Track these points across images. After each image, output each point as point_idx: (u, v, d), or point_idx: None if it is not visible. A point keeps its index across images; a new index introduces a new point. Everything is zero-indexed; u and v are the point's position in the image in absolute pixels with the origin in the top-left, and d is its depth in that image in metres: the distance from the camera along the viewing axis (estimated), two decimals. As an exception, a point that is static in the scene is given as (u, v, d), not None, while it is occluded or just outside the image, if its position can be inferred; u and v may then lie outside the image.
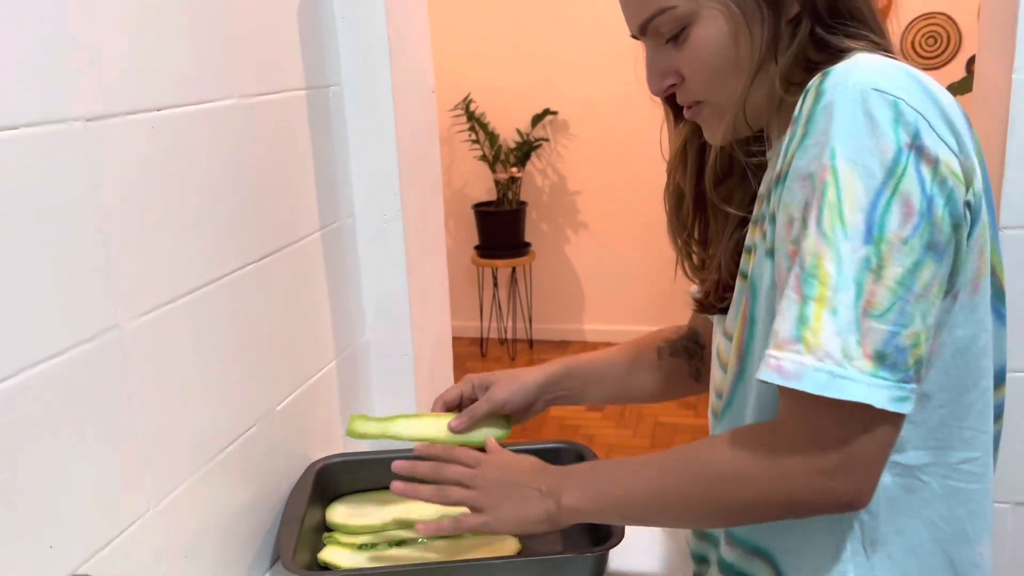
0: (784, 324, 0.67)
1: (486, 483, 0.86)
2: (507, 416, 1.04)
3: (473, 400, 1.05)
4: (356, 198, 1.25)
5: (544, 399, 1.05)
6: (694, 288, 0.97)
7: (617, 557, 0.92)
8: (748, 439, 0.72)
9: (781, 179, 0.71)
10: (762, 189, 0.79)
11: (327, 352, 1.19)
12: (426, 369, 1.36)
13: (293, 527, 0.99)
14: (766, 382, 0.68)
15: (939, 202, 0.66)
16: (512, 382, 1.04)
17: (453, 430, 1.02)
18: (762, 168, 0.81)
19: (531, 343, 4.26)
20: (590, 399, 1.07)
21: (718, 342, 0.88)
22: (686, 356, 1.05)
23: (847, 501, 0.69)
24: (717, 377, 0.89)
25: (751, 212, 0.81)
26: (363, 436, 1.03)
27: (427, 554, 1.02)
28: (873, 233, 0.65)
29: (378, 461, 1.14)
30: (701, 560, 0.96)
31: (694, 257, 0.91)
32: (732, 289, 0.84)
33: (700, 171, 0.88)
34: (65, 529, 0.71)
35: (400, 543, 1.05)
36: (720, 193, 0.86)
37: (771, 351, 0.68)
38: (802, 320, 0.66)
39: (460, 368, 1.41)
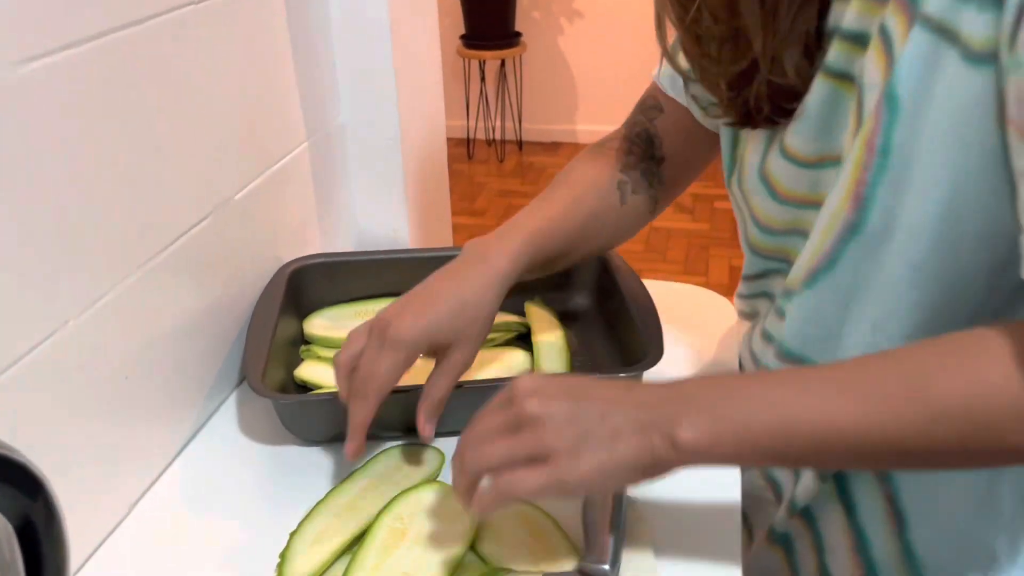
0: None
1: (549, 418, 0.53)
2: None
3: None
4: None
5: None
6: (697, 90, 0.73)
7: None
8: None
9: None
10: None
11: (295, 133, 0.97)
12: (416, 158, 1.15)
13: (262, 339, 0.81)
14: None
15: None
16: (470, 332, 0.70)
17: (426, 439, 0.71)
18: None
19: (520, 144, 4.02)
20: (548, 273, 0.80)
21: (770, 167, 0.65)
22: (647, 187, 0.81)
23: None
24: (772, 216, 0.67)
25: None
26: None
27: (428, 366, 0.86)
28: None
29: (365, 264, 0.95)
30: None
31: (711, 46, 0.63)
32: (792, 95, 0.61)
33: None
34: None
35: (392, 358, 0.88)
36: None
37: None
38: None
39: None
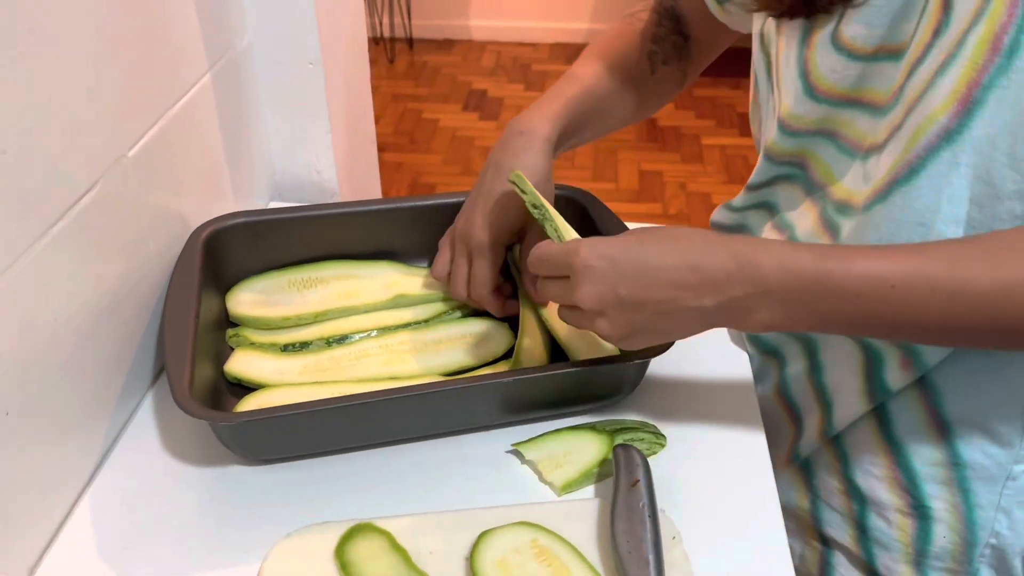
0: None
1: (603, 314, 0.57)
2: None
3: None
4: None
5: None
6: None
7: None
8: None
9: None
10: None
11: (194, 63, 0.77)
12: (341, 80, 0.96)
13: (182, 334, 0.65)
14: None
15: None
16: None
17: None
18: None
19: (411, 42, 3.74)
20: (582, 143, 0.80)
21: (815, 59, 0.59)
22: (677, 59, 0.80)
23: None
24: (801, 116, 0.61)
25: None
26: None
27: (389, 356, 0.72)
28: None
29: (295, 222, 0.79)
30: (769, 351, 0.71)
31: None
32: None
33: None
34: None
35: (341, 339, 0.74)
36: None
37: None
38: None
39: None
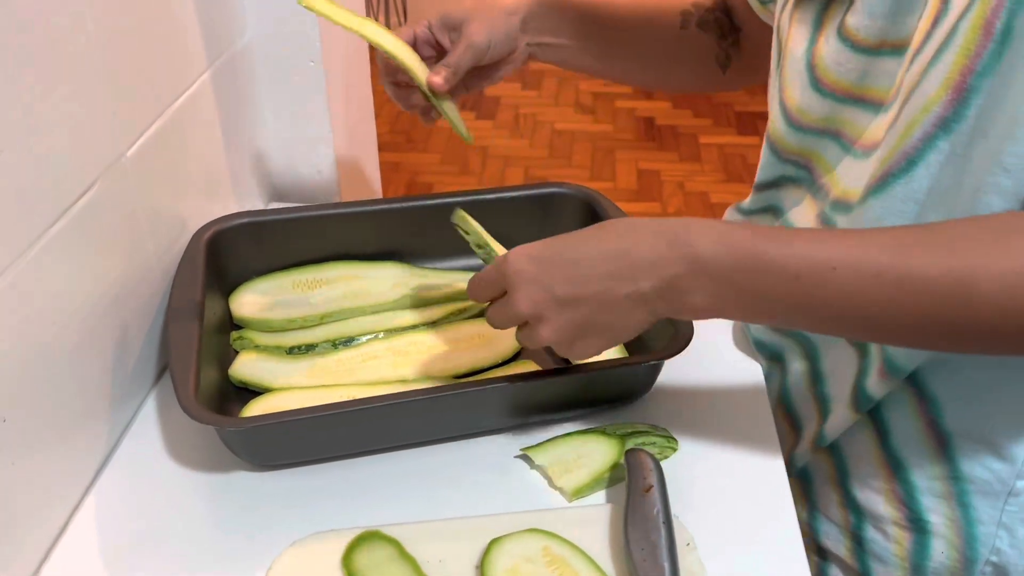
0: None
1: (542, 320, 0.55)
2: None
3: (437, 46, 0.74)
4: None
5: (527, 41, 0.75)
6: None
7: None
8: None
9: None
10: None
11: (193, 62, 0.76)
12: (342, 79, 0.95)
13: (187, 337, 0.64)
14: None
15: None
16: (489, 15, 0.73)
17: (435, 88, 0.71)
18: None
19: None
20: (585, 56, 0.77)
21: (821, 51, 0.59)
22: (717, 33, 0.78)
23: None
24: (806, 110, 0.61)
25: None
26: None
27: (397, 359, 0.71)
28: None
29: (299, 222, 0.78)
30: (773, 356, 0.70)
31: None
32: None
33: None
34: None
35: (347, 341, 0.73)
36: None
37: None
38: None
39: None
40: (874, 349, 0.59)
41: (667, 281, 0.51)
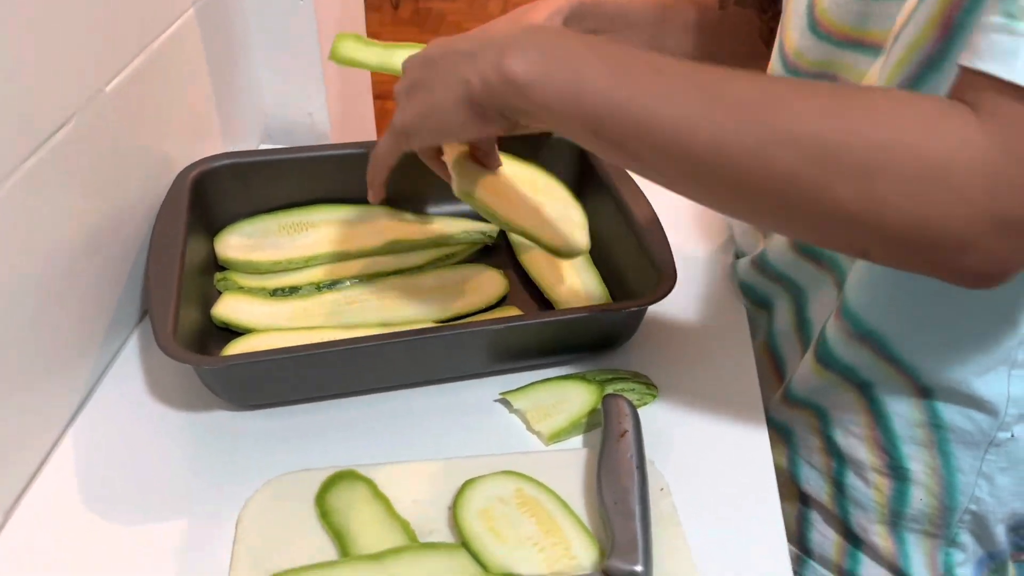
0: None
1: (420, 62, 0.56)
2: None
3: None
4: None
5: None
6: None
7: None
8: (929, 108, 0.42)
9: None
10: None
11: (174, 1, 0.75)
12: (333, 20, 0.93)
13: (168, 276, 0.63)
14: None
15: None
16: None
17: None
18: None
19: (415, -13, 3.66)
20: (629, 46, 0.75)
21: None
22: (758, 7, 0.73)
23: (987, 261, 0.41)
24: (803, 53, 0.59)
25: None
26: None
27: (381, 303, 0.70)
28: None
29: (286, 164, 0.77)
30: (760, 302, 0.70)
31: None
32: None
33: None
34: None
35: (331, 284, 0.72)
36: None
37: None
38: None
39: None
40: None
41: (493, 38, 0.51)
